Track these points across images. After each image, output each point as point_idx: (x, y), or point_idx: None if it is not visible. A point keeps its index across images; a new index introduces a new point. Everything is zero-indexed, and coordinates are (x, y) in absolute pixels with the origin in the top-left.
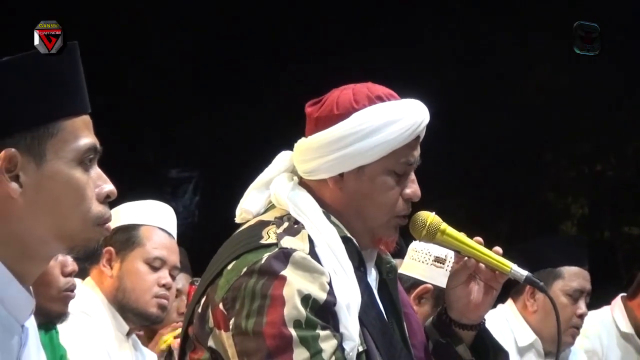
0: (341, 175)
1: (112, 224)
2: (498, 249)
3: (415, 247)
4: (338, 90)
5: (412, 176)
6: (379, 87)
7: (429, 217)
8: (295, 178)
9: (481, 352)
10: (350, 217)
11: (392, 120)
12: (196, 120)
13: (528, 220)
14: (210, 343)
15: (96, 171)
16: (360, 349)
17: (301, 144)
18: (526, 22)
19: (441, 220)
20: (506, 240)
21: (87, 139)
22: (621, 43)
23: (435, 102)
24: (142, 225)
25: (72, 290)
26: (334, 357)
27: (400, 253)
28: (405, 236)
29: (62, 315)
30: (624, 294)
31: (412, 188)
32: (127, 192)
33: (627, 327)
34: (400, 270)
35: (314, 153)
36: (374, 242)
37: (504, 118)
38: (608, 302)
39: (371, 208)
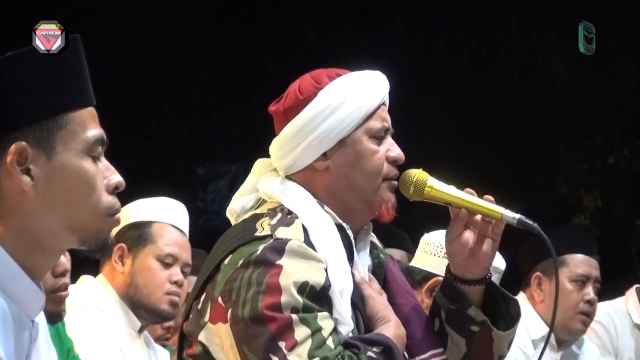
0: (324, 154)
1: (125, 221)
2: (489, 197)
3: (427, 240)
4: (295, 82)
5: (391, 140)
6: (333, 68)
7: (416, 173)
8: (282, 173)
9: (492, 308)
10: (343, 193)
11: (359, 87)
12: (227, 114)
13: (541, 213)
14: (201, 337)
15: (104, 163)
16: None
17: (276, 141)
18: (540, 16)
19: (428, 175)
20: (520, 233)
21: (95, 130)
22: (636, 37)
23: (450, 95)
24: (154, 222)
25: (64, 290)
26: (332, 336)
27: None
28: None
29: (57, 315)
30: (638, 285)
31: (395, 151)
32: (161, 187)
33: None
34: (412, 263)
35: (292, 142)
36: (373, 211)
37: (517, 111)
38: (622, 295)
39: (360, 177)
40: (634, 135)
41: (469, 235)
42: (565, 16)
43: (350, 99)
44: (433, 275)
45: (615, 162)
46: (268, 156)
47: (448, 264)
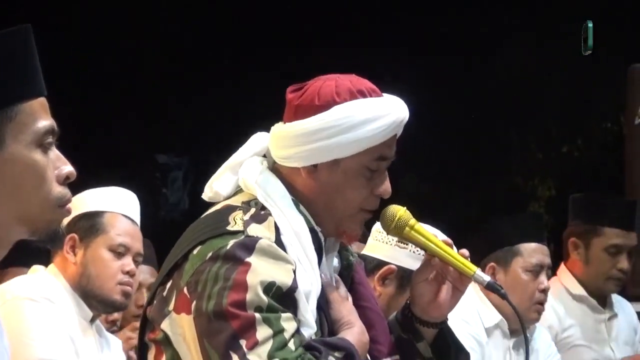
0: (315, 165)
1: (76, 211)
2: (464, 251)
3: (379, 228)
4: (321, 80)
5: (385, 172)
6: (363, 81)
7: (399, 211)
8: (266, 163)
9: (442, 350)
10: (319, 206)
11: (373, 117)
12: (184, 105)
13: (496, 203)
14: (164, 325)
15: (55, 153)
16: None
17: (279, 129)
18: (492, 2)
19: (411, 216)
20: (475, 223)
21: (46, 121)
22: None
23: (403, 86)
24: (105, 212)
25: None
26: (294, 339)
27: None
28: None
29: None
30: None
31: (384, 185)
32: (114, 178)
33: (577, 289)
34: (363, 252)
35: (290, 141)
36: (338, 234)
37: (470, 101)
38: None
39: (340, 201)
40: (587, 124)
41: (438, 282)
42: (519, 3)
43: (361, 126)
44: (385, 263)
45: (568, 151)
46: (219, 151)
47: (408, 299)
